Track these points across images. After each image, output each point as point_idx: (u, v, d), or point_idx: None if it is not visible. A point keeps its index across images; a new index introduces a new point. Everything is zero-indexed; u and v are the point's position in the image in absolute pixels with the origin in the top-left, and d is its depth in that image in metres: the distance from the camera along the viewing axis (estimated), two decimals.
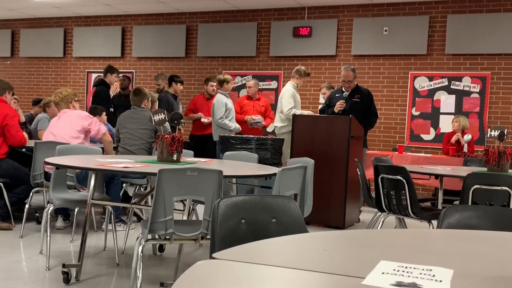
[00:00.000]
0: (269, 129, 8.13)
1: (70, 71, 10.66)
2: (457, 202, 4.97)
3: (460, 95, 7.91)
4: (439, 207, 4.39)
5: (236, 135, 6.37)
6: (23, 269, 3.77)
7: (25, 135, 5.25)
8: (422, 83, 8.13)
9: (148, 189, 4.87)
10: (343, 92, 6.03)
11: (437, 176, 4.46)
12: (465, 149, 6.94)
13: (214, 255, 1.32)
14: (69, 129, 4.90)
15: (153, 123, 3.84)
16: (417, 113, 8.17)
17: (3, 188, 4.90)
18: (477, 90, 7.83)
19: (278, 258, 1.35)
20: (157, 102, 7.25)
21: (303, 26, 8.69)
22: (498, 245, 1.62)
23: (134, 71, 10.01)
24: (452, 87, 7.96)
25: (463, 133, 7.06)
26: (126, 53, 10.15)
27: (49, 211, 3.84)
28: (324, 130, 5.64)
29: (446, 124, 7.85)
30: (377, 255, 1.37)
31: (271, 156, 5.83)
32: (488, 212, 2.03)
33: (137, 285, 2.92)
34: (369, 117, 6.01)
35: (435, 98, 8.07)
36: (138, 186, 5.55)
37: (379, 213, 4.22)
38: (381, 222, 4.14)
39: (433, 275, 1.19)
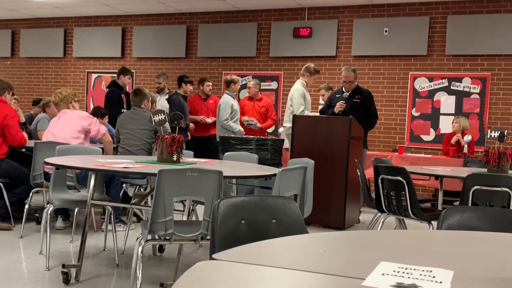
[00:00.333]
0: (269, 130, 8.14)
1: (70, 71, 10.67)
2: (457, 203, 4.96)
3: (460, 96, 7.91)
4: (439, 208, 4.39)
5: (236, 136, 6.37)
6: (23, 269, 3.77)
7: (25, 135, 5.25)
8: (422, 84, 8.13)
9: (148, 189, 4.87)
10: (344, 92, 6.02)
11: (437, 177, 4.46)
12: (465, 150, 6.94)
13: (214, 256, 1.32)
14: (69, 129, 4.89)
15: (153, 124, 3.84)
16: (417, 114, 8.17)
17: (3, 188, 4.90)
18: (477, 91, 7.83)
19: (278, 259, 1.35)
20: (167, 105, 7.27)
21: (303, 26, 8.70)
22: (498, 246, 1.62)
23: (134, 71, 10.00)
24: (452, 88, 7.96)
25: (463, 134, 7.06)
26: (126, 54, 10.15)
27: (49, 211, 3.84)
28: (324, 131, 5.63)
29: (446, 125, 7.85)
30: (377, 256, 1.37)
31: (271, 156, 5.83)
32: (488, 213, 2.03)
33: (137, 285, 2.92)
34: (369, 118, 6.01)
35: (435, 99, 8.07)
36: (138, 187, 5.55)
37: (379, 214, 4.22)
38: (381, 223, 4.13)
39: (433, 276, 1.19)
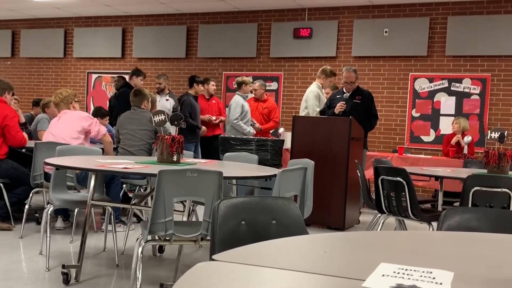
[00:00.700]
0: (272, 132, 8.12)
1: (71, 71, 10.67)
2: (457, 204, 4.96)
3: (460, 96, 7.92)
4: (439, 209, 4.39)
5: (236, 136, 6.36)
6: (23, 270, 3.77)
7: (25, 135, 5.25)
8: (422, 85, 8.13)
9: (148, 190, 4.86)
10: (344, 93, 6.03)
11: (437, 177, 4.46)
12: (465, 151, 6.94)
13: (214, 256, 1.32)
14: (69, 130, 4.89)
15: (153, 124, 3.84)
16: (417, 115, 8.17)
17: (3, 188, 4.90)
18: (477, 91, 7.83)
19: (278, 260, 1.35)
20: (179, 106, 7.24)
21: (304, 27, 8.70)
22: (498, 247, 1.62)
23: None
24: (452, 88, 7.96)
25: (463, 135, 7.06)
26: (126, 54, 10.16)
27: (49, 212, 3.84)
28: (324, 132, 5.63)
29: (446, 125, 7.85)
30: (377, 257, 1.37)
31: (271, 157, 5.83)
32: (488, 214, 2.03)
33: (136, 286, 2.92)
34: (369, 119, 6.01)
35: (435, 99, 8.07)
36: (138, 187, 5.55)
37: (379, 215, 4.22)
38: (381, 224, 4.13)
39: (434, 278, 1.19)
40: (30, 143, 5.08)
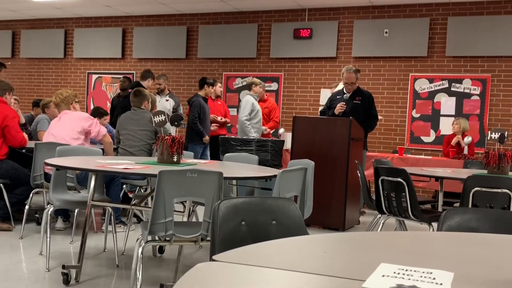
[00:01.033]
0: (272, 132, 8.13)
1: (71, 72, 10.67)
2: (457, 205, 4.96)
3: (461, 97, 7.92)
4: (440, 209, 4.39)
5: (236, 137, 6.36)
6: (23, 270, 3.77)
7: (25, 136, 5.25)
8: (423, 85, 8.14)
9: (148, 190, 4.87)
10: (344, 94, 6.03)
11: (437, 178, 4.45)
12: (466, 152, 6.93)
13: (214, 257, 1.32)
14: (70, 130, 4.89)
15: (153, 125, 3.84)
16: (417, 115, 8.17)
17: (3, 189, 4.90)
18: (478, 92, 7.83)
19: (278, 261, 1.35)
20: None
21: (304, 28, 8.70)
22: (498, 248, 1.62)
23: (134, 72, 10.01)
24: (452, 89, 7.97)
25: (463, 135, 7.06)
26: (126, 54, 10.16)
27: (49, 212, 3.84)
28: (324, 132, 5.63)
29: (446, 126, 7.85)
30: (378, 258, 1.37)
31: (271, 157, 5.83)
32: (489, 214, 2.03)
33: (137, 286, 2.92)
34: (369, 120, 6.01)
35: (435, 100, 8.07)
36: (138, 188, 5.54)
37: (379, 215, 4.22)
38: (381, 224, 4.13)
39: (434, 278, 1.19)
40: (30, 144, 5.08)
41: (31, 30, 10.87)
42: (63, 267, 3.47)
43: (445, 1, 7.89)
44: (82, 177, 4.46)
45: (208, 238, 2.89)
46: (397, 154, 7.08)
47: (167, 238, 2.89)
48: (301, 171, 3.38)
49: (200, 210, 3.29)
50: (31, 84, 10.98)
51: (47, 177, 4.59)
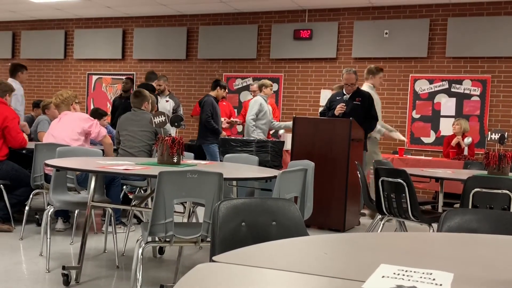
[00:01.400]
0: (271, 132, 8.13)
1: (71, 73, 10.68)
2: (457, 205, 4.96)
3: (461, 98, 7.92)
4: (440, 210, 4.39)
5: (237, 138, 6.36)
6: (23, 271, 3.77)
7: (25, 136, 5.25)
8: (423, 86, 8.14)
9: (149, 191, 4.87)
10: (344, 95, 6.03)
11: (437, 179, 4.45)
12: (466, 152, 6.94)
13: (214, 258, 1.32)
14: (70, 131, 4.90)
15: (154, 125, 3.84)
16: (417, 116, 8.17)
17: (3, 190, 4.90)
18: (478, 93, 7.83)
19: (278, 261, 1.35)
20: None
21: (304, 28, 8.70)
22: (498, 248, 1.62)
23: (134, 73, 10.02)
24: (452, 90, 7.97)
25: (463, 136, 7.06)
26: (127, 55, 10.16)
27: (49, 213, 3.84)
28: (324, 133, 5.63)
29: (446, 127, 7.85)
30: (377, 259, 1.37)
31: (271, 158, 5.83)
32: (489, 215, 2.03)
33: (137, 287, 2.92)
34: (369, 121, 6.00)
35: (435, 101, 8.07)
36: (138, 188, 5.55)
37: (379, 216, 4.21)
38: (381, 225, 4.13)
39: (434, 279, 1.19)
40: (31, 145, 5.08)
41: (31, 31, 10.87)
42: (63, 268, 3.47)
43: (445, 2, 7.89)
44: (82, 178, 4.46)
45: (208, 239, 2.89)
46: (397, 155, 7.08)
47: (167, 239, 2.89)
48: (301, 172, 3.38)
49: (200, 211, 3.29)
50: (31, 85, 10.98)
51: (47, 178, 4.59)
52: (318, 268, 1.30)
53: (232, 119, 7.69)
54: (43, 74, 10.92)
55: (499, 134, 4.43)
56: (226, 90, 7.74)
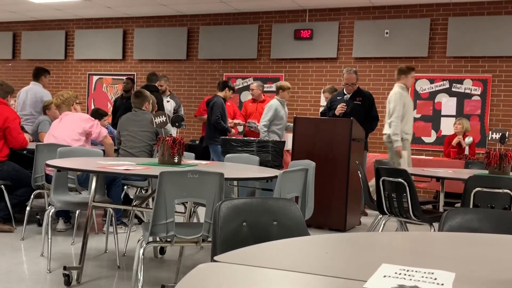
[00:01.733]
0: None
1: (72, 73, 10.68)
2: (458, 205, 4.96)
3: (461, 97, 7.91)
4: (441, 209, 4.39)
5: (237, 138, 6.37)
6: (24, 271, 3.77)
7: (26, 137, 5.25)
8: (423, 86, 8.13)
9: (149, 191, 4.87)
10: (345, 94, 6.03)
11: (438, 178, 4.45)
12: (466, 152, 6.93)
13: (215, 258, 1.32)
14: (71, 132, 4.90)
15: (154, 126, 3.84)
16: (418, 116, 8.17)
17: (4, 190, 4.91)
18: (478, 92, 7.82)
19: (279, 261, 1.35)
20: (212, 108, 7.24)
21: (304, 28, 8.70)
22: (499, 248, 1.62)
23: (135, 73, 10.02)
24: (453, 89, 7.96)
25: (464, 136, 7.06)
26: (127, 56, 10.17)
27: (50, 214, 3.84)
28: (325, 133, 5.63)
29: (447, 126, 7.85)
30: (379, 258, 1.37)
31: (272, 158, 5.83)
32: (490, 215, 2.03)
33: (138, 287, 2.92)
34: (370, 120, 6.00)
35: (436, 100, 8.07)
36: (139, 189, 5.55)
37: (380, 216, 4.21)
38: (382, 225, 4.13)
39: (435, 278, 1.19)
40: (31, 145, 5.08)
41: (32, 32, 10.88)
42: (64, 268, 3.47)
43: (446, 1, 7.88)
44: (83, 178, 4.46)
45: (209, 239, 2.89)
46: None
47: (168, 239, 2.89)
48: (302, 172, 3.38)
49: (201, 211, 3.29)
50: None
51: (48, 178, 4.59)
52: (320, 268, 1.30)
53: (234, 121, 7.66)
54: None
55: (500, 134, 4.43)
56: (232, 92, 7.75)
